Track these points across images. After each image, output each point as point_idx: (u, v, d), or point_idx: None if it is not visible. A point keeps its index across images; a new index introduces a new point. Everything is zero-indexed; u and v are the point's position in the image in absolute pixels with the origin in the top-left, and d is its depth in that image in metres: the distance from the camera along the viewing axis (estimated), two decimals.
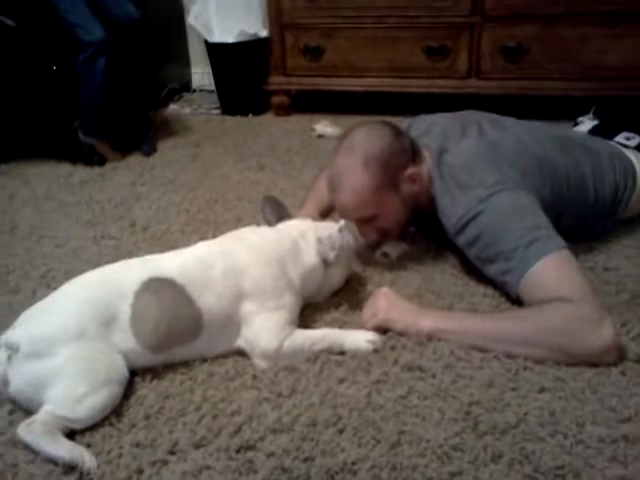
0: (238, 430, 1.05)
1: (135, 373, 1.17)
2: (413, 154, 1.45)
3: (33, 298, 1.47)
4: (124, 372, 1.12)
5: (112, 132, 2.47)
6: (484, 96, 2.66)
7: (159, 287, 1.17)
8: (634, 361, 1.16)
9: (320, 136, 2.63)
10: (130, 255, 1.31)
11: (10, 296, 1.50)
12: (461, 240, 1.36)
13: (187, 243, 1.38)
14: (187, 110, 3.17)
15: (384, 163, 1.39)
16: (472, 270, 1.44)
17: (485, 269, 1.35)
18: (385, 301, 1.30)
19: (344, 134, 1.50)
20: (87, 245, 1.76)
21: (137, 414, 1.09)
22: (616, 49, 2.48)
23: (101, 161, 2.40)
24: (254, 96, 3.01)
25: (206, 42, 3.02)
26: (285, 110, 3.01)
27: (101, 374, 1.08)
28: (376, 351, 1.23)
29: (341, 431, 1.04)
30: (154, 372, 1.19)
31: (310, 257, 1.33)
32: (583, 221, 1.52)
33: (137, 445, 1.03)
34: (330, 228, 1.34)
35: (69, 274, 1.56)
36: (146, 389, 1.15)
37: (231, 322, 1.21)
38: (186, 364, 1.21)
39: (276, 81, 2.96)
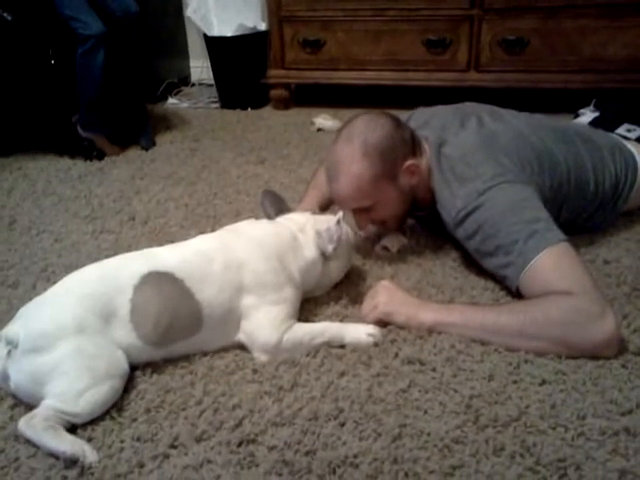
0: (239, 424, 1.05)
1: (135, 367, 1.17)
2: (413, 146, 1.44)
3: (33, 292, 1.47)
4: (124, 366, 1.11)
5: (110, 126, 2.46)
6: (484, 89, 2.66)
7: (159, 281, 1.17)
8: (635, 354, 1.17)
9: (320, 129, 2.63)
10: (129, 249, 1.31)
11: (10, 290, 1.50)
12: (460, 233, 1.36)
13: (186, 237, 1.37)
14: (186, 104, 3.16)
15: (383, 153, 1.37)
16: (472, 263, 1.44)
17: (484, 262, 1.35)
18: (385, 294, 1.30)
19: (344, 123, 1.48)
20: (86, 239, 1.75)
21: (138, 408, 1.09)
22: (617, 41, 2.47)
23: (100, 155, 2.40)
24: (253, 90, 3.00)
25: (205, 36, 3.01)
26: (284, 104, 3.00)
27: (101, 368, 1.08)
28: (376, 344, 1.23)
29: (342, 424, 1.04)
30: (154, 366, 1.19)
31: (309, 251, 1.32)
32: (583, 212, 1.51)
33: (138, 439, 1.03)
34: (328, 221, 1.33)
35: (68, 268, 1.57)
36: (147, 383, 1.15)
37: (231, 316, 1.21)
38: (186, 358, 1.21)
39: (275, 74, 2.95)
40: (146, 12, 2.55)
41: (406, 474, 0.94)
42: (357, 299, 1.38)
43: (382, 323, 1.28)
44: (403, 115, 1.66)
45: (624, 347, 1.17)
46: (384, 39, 2.75)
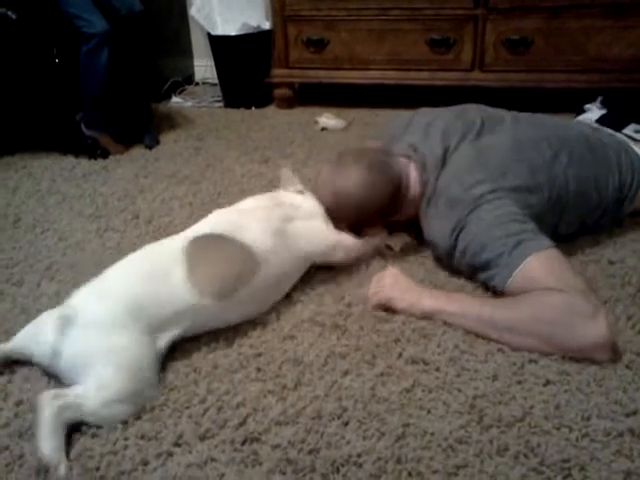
0: (243, 422, 1.05)
1: None
2: (388, 213, 1.52)
3: (37, 290, 1.47)
4: (155, 387, 1.12)
5: (114, 125, 2.46)
6: (488, 89, 2.65)
7: (202, 242, 1.26)
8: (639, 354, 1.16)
9: (323, 129, 2.62)
10: (134, 248, 1.31)
11: (14, 289, 1.50)
12: (456, 254, 1.37)
13: None
14: (190, 103, 3.16)
15: (357, 207, 1.47)
16: None
17: (476, 278, 1.37)
18: (390, 279, 1.35)
19: (339, 159, 1.53)
20: (90, 238, 1.75)
21: (142, 406, 1.09)
22: (622, 41, 2.46)
23: (104, 154, 2.40)
24: (257, 89, 3.00)
25: (209, 35, 3.01)
26: (288, 103, 3.00)
27: (140, 382, 1.08)
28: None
29: (346, 423, 1.04)
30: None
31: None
32: (588, 218, 1.50)
33: (142, 437, 1.03)
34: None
35: (73, 267, 1.58)
36: None
37: (282, 243, 1.31)
38: (190, 356, 1.21)
39: (279, 74, 2.95)
40: (150, 11, 2.55)
41: (409, 474, 0.94)
42: (360, 298, 1.38)
43: (384, 308, 1.32)
44: (404, 118, 1.67)
45: (618, 353, 1.16)
46: (388, 39, 2.75)
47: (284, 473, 0.95)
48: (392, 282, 1.35)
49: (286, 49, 2.89)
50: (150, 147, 2.48)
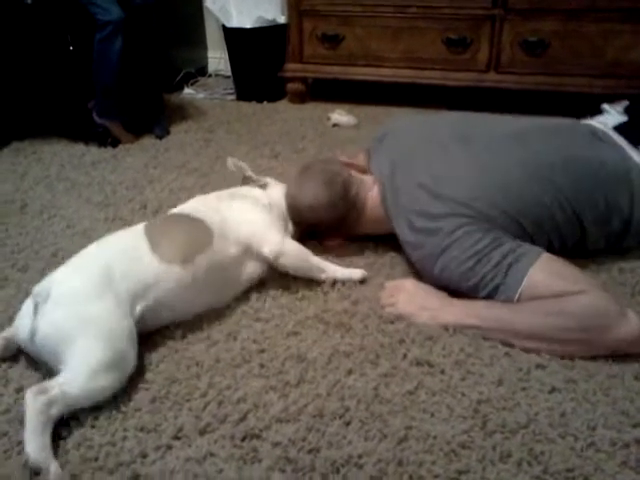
0: (244, 418, 1.04)
1: (141, 357, 1.17)
2: (337, 227, 1.52)
3: (42, 277, 1.46)
4: (134, 357, 1.12)
5: (126, 114, 2.45)
6: (503, 90, 2.63)
7: (163, 220, 1.43)
8: None
9: (335, 125, 2.60)
10: None
11: (19, 274, 1.50)
12: (448, 286, 1.33)
13: None
14: (202, 94, 3.14)
15: (309, 223, 1.52)
16: None
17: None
18: (405, 295, 1.32)
19: (302, 171, 1.57)
20: (98, 226, 1.75)
21: (143, 398, 1.08)
22: None
23: (114, 142, 2.39)
24: (270, 83, 2.98)
25: (223, 27, 2.99)
26: (300, 98, 2.98)
27: (119, 351, 1.08)
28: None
29: (348, 423, 1.03)
30: (160, 356, 1.19)
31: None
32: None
33: (141, 429, 1.02)
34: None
35: None
36: (152, 373, 1.15)
37: (229, 226, 1.36)
38: (192, 349, 1.20)
39: (292, 68, 2.93)
40: (165, 1, 2.54)
41: (411, 477, 0.93)
42: (366, 297, 1.37)
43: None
44: (381, 130, 1.67)
45: (635, 358, 1.15)
46: (403, 36, 2.73)
47: (283, 471, 0.94)
48: (407, 298, 1.32)
49: (301, 44, 2.87)
50: (160, 137, 2.48)
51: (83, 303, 1.11)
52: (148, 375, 1.14)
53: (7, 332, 1.19)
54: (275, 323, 1.29)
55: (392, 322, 1.28)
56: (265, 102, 2.99)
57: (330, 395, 1.09)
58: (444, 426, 1.02)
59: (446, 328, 1.24)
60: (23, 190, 2.00)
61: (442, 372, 1.14)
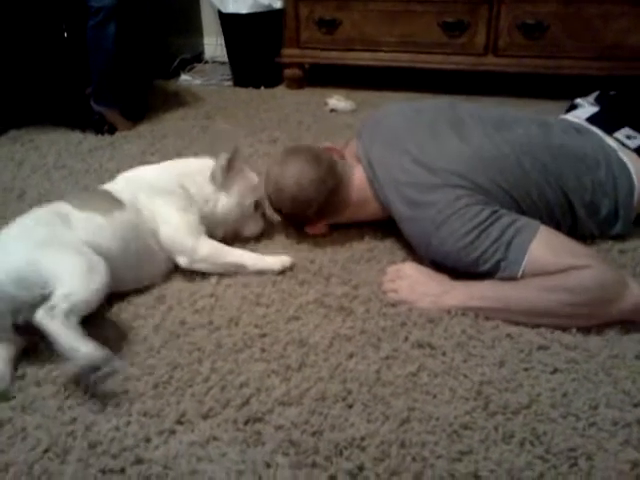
0: (246, 402, 1.04)
1: (143, 344, 1.17)
2: (322, 211, 1.48)
3: None
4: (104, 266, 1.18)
5: (123, 100, 2.44)
6: (501, 74, 2.61)
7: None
8: None
9: (333, 110, 2.59)
10: None
11: None
12: (442, 265, 1.33)
13: None
14: (198, 81, 3.12)
15: (292, 205, 1.48)
16: None
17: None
18: (408, 281, 1.31)
19: (288, 151, 1.55)
20: None
21: (145, 383, 1.09)
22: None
23: (111, 130, 2.37)
24: (267, 68, 2.96)
25: (219, 12, 2.96)
26: (298, 83, 2.96)
27: (85, 253, 1.18)
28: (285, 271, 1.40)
29: (350, 406, 1.03)
30: (162, 342, 1.19)
31: (201, 179, 1.49)
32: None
33: (145, 414, 1.02)
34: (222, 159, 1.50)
35: None
36: (154, 359, 1.15)
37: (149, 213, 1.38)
38: (194, 335, 1.20)
39: (289, 54, 2.91)
40: None
41: (413, 458, 0.93)
42: (366, 281, 1.37)
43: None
44: (371, 118, 1.65)
45: (637, 339, 1.16)
46: (400, 20, 2.70)
47: (287, 454, 0.94)
48: (409, 284, 1.31)
49: (297, 29, 2.84)
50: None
51: (34, 232, 1.21)
52: (150, 361, 1.14)
53: None
54: (276, 308, 1.29)
55: (393, 305, 1.28)
56: (262, 88, 2.97)
57: (332, 378, 1.09)
58: (446, 407, 1.02)
59: (448, 311, 1.24)
60: (21, 178, 1.99)
61: (444, 354, 1.14)
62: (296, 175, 1.45)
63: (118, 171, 1.99)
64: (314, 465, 0.92)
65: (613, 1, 2.42)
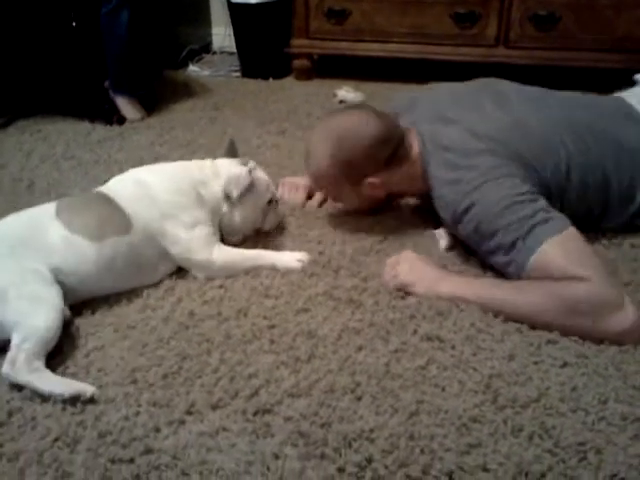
0: (255, 393, 1.04)
1: (152, 334, 1.17)
2: (391, 159, 1.43)
3: None
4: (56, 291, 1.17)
5: (142, 88, 2.43)
6: (512, 65, 2.59)
7: (85, 197, 1.43)
8: None
9: (342, 102, 2.58)
10: None
11: None
12: (460, 231, 1.34)
13: None
14: (207, 72, 3.11)
15: (349, 164, 1.42)
16: None
17: (488, 260, 1.31)
18: (406, 265, 1.32)
19: (333, 112, 1.54)
20: None
21: (155, 374, 1.09)
22: None
23: (120, 120, 2.37)
24: (275, 59, 2.95)
25: (228, 2, 2.95)
26: (307, 74, 2.95)
27: (41, 281, 1.16)
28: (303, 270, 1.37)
29: (359, 398, 1.03)
30: (172, 333, 1.19)
31: (216, 190, 1.44)
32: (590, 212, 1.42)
33: (154, 404, 1.03)
34: (242, 169, 1.46)
35: None
36: (164, 350, 1.15)
37: (156, 233, 1.34)
38: (203, 326, 1.21)
39: (298, 44, 2.90)
40: None
41: (422, 451, 0.93)
42: (376, 273, 1.36)
43: (402, 292, 1.29)
44: (405, 97, 1.67)
45: None
46: (411, 11, 2.68)
47: (296, 445, 0.95)
48: (408, 267, 1.31)
49: (306, 19, 2.83)
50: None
51: None
52: (160, 352, 1.15)
53: None
54: (285, 300, 1.29)
55: (402, 298, 1.28)
56: (271, 79, 2.96)
57: (341, 370, 1.09)
58: (455, 400, 1.02)
59: (457, 304, 1.24)
60: (29, 169, 2.00)
61: (453, 347, 1.14)
62: (355, 117, 1.45)
63: (127, 162, 2.02)
64: (323, 456, 0.93)
65: None
